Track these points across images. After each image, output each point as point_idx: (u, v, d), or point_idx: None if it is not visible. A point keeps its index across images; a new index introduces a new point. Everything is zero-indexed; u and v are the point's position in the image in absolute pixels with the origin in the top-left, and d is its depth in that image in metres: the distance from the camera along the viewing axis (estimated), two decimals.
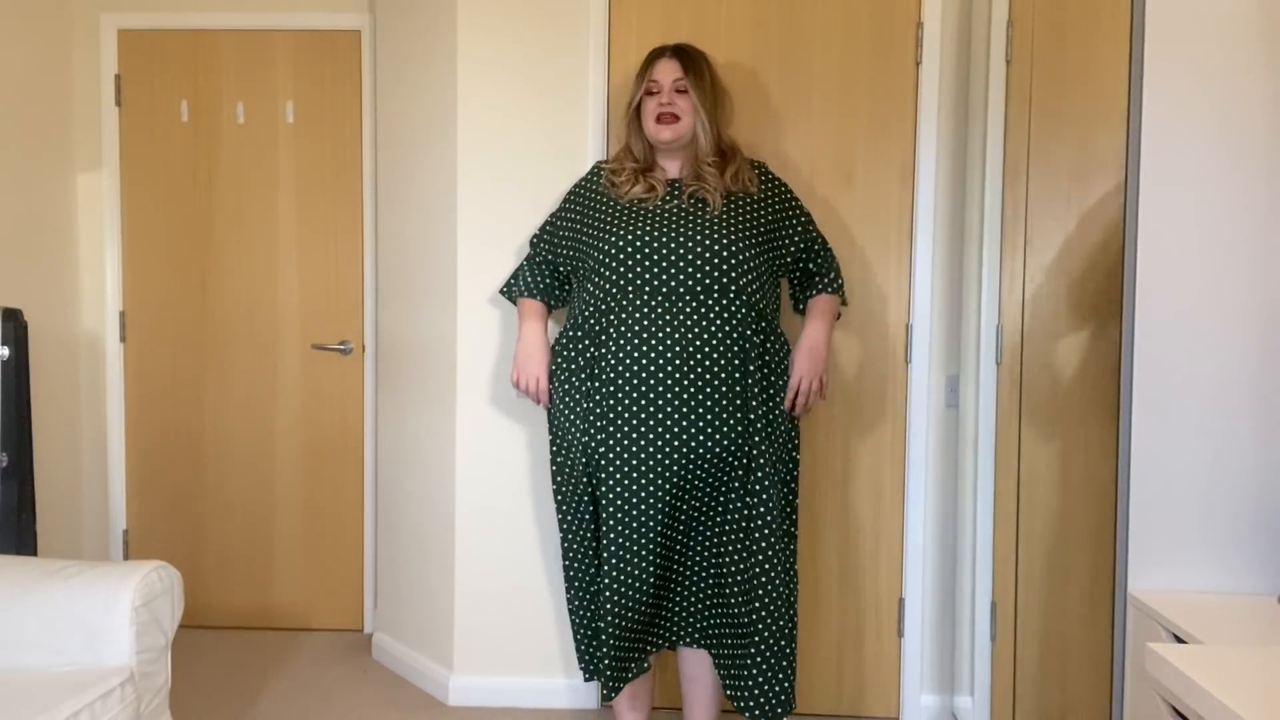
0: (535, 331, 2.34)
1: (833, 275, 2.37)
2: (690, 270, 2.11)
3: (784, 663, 2.17)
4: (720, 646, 2.24)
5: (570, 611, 2.33)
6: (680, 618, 2.26)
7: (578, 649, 2.33)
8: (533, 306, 2.38)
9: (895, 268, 2.64)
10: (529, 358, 2.31)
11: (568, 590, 2.32)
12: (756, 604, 2.14)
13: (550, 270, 2.40)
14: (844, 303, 2.43)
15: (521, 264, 2.46)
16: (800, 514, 2.61)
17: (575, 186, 2.39)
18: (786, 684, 2.19)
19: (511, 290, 2.44)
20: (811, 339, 2.27)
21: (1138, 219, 1.97)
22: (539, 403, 2.32)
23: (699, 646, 2.28)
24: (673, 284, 2.11)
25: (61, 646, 1.86)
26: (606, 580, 2.14)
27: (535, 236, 2.45)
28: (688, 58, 2.24)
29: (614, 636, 2.14)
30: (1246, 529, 1.94)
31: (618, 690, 2.18)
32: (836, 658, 2.69)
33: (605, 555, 2.14)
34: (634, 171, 2.25)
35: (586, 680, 2.34)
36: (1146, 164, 1.95)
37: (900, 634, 2.68)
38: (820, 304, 2.34)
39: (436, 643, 2.84)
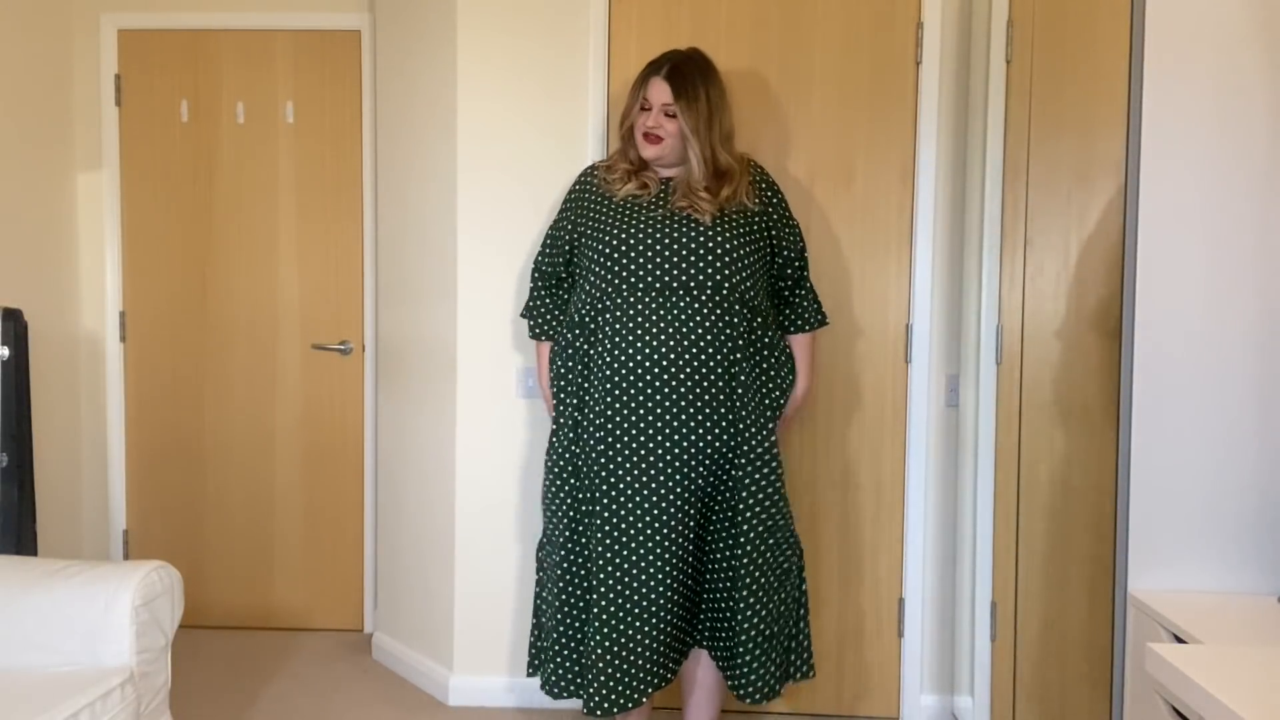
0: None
1: (816, 308, 2.38)
2: (683, 265, 2.12)
3: (771, 649, 2.19)
4: (714, 639, 2.24)
5: (538, 615, 2.31)
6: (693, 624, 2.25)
7: (535, 648, 2.30)
8: (546, 351, 2.39)
9: (895, 268, 2.64)
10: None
11: (540, 591, 2.30)
12: (745, 591, 2.13)
13: (555, 288, 2.38)
14: (825, 322, 2.42)
15: (531, 293, 2.42)
16: (800, 514, 2.61)
17: (569, 191, 2.38)
18: (774, 668, 2.20)
19: (531, 328, 2.42)
20: (799, 390, 2.34)
21: (1138, 218, 1.97)
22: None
23: (699, 646, 2.27)
24: (666, 279, 2.12)
25: (61, 646, 1.86)
26: (602, 588, 2.10)
27: (538, 256, 2.41)
28: (681, 79, 2.17)
29: (610, 652, 2.09)
30: (1246, 529, 1.94)
31: (610, 709, 2.10)
32: (836, 658, 2.69)
33: (601, 558, 2.12)
34: (627, 171, 2.25)
35: (535, 678, 2.31)
36: (1146, 164, 1.95)
37: (900, 634, 2.68)
38: (803, 346, 2.36)
39: (436, 643, 2.84)
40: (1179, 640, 1.75)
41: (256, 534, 3.36)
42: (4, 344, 2.52)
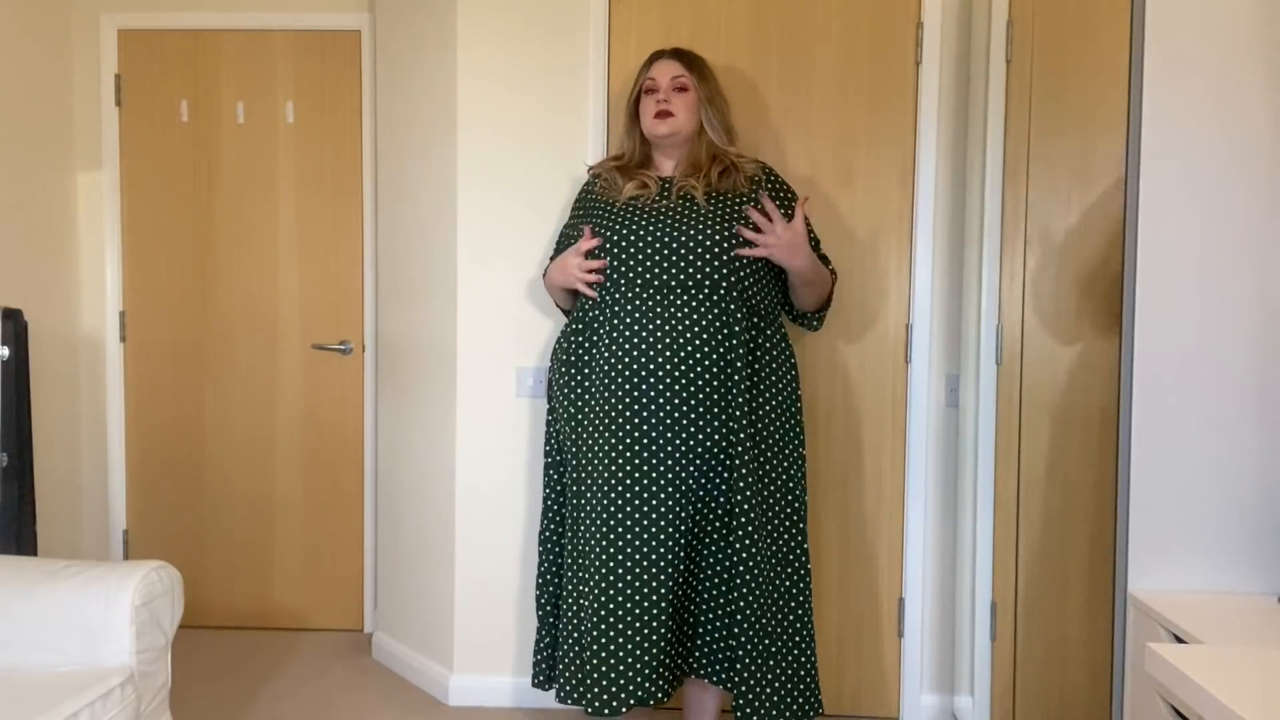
0: (553, 265, 2.35)
1: (828, 264, 2.37)
2: (680, 264, 2.12)
3: (772, 662, 2.13)
4: (715, 661, 2.20)
5: (539, 611, 2.33)
6: (694, 643, 2.20)
7: (537, 651, 2.31)
8: None
9: (895, 268, 2.64)
10: (563, 269, 2.27)
11: (538, 591, 2.31)
12: (739, 600, 2.10)
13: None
14: (828, 301, 2.38)
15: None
16: (807, 518, 2.60)
17: (576, 197, 2.41)
18: (779, 686, 2.15)
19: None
20: (802, 240, 2.16)
21: (1138, 218, 1.97)
22: (592, 272, 2.22)
23: (713, 681, 2.20)
24: (664, 277, 2.12)
25: (61, 646, 1.86)
26: (598, 582, 2.09)
27: (555, 250, 2.44)
28: (688, 58, 2.29)
29: (600, 645, 2.07)
30: (1246, 529, 1.94)
31: (614, 710, 2.05)
32: (836, 658, 2.69)
33: (594, 554, 2.11)
34: (619, 170, 2.28)
35: (540, 685, 2.30)
36: (1146, 164, 1.95)
37: (900, 634, 2.68)
38: None
39: (436, 643, 2.84)
40: (1179, 640, 1.75)
41: (256, 534, 3.36)
42: (4, 344, 2.52)
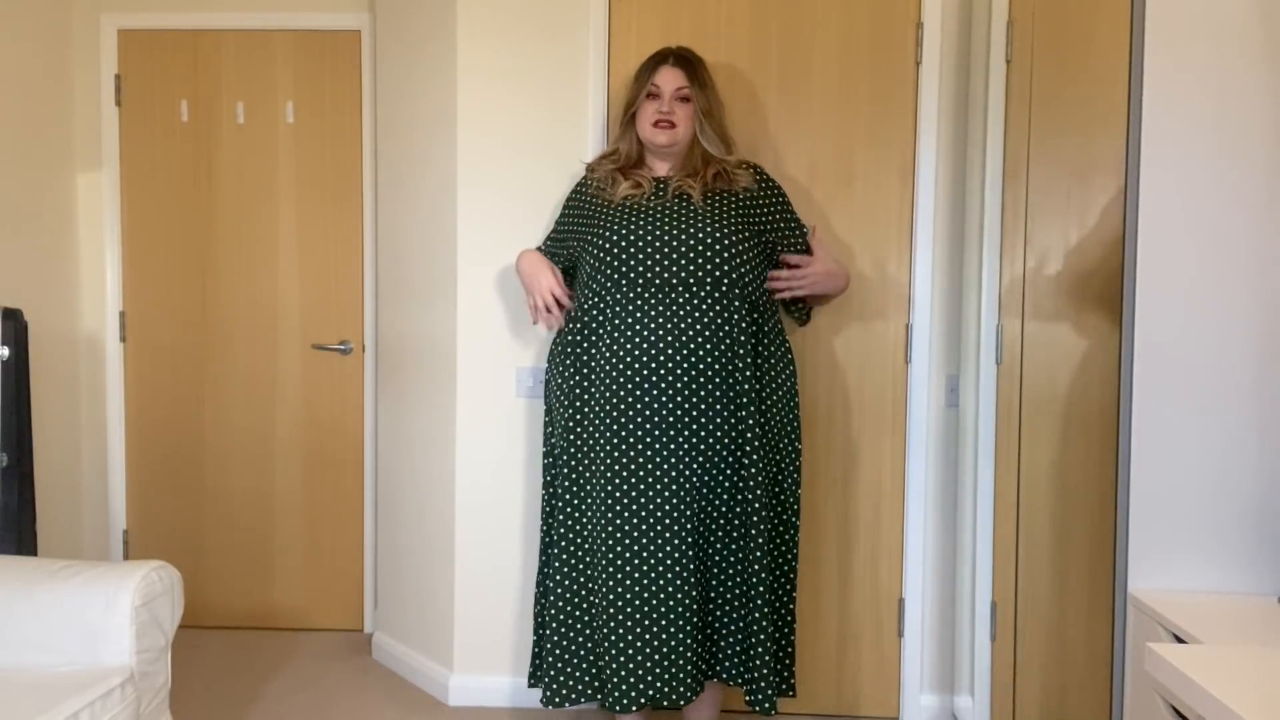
0: (532, 252, 2.40)
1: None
2: (682, 262, 2.13)
3: (777, 653, 2.25)
4: (726, 646, 2.22)
5: (538, 614, 2.33)
6: (711, 643, 2.21)
7: (536, 654, 2.32)
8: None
9: (895, 268, 2.64)
10: (535, 275, 2.33)
11: (547, 594, 2.30)
12: (755, 597, 2.13)
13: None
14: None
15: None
16: (800, 514, 2.61)
17: (569, 194, 2.42)
18: (780, 674, 2.29)
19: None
20: (833, 263, 2.42)
21: (1138, 218, 1.97)
22: (560, 309, 2.30)
23: (724, 680, 2.23)
24: (666, 275, 2.13)
25: (61, 646, 1.86)
26: (610, 583, 2.10)
27: (547, 241, 2.48)
28: (691, 67, 2.27)
29: (610, 644, 2.09)
30: (1246, 529, 1.94)
31: (623, 707, 2.08)
32: (836, 658, 2.69)
33: (605, 556, 2.12)
34: (612, 170, 2.29)
35: (533, 687, 2.31)
36: (1146, 164, 1.95)
37: (900, 634, 2.68)
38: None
39: (436, 643, 2.84)
40: (1179, 640, 1.75)
41: (256, 534, 3.36)
42: (4, 344, 2.52)
